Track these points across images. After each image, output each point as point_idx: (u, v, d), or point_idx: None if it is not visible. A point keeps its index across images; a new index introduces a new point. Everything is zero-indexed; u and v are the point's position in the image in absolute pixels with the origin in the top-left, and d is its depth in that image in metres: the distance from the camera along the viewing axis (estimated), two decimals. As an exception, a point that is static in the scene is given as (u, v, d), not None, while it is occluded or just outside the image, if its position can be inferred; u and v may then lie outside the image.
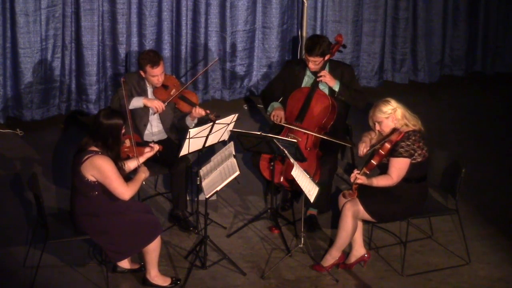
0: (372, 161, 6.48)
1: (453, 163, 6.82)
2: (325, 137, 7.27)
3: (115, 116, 6.21)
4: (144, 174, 6.40)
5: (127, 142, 6.50)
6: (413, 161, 6.50)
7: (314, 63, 7.42)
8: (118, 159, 6.26)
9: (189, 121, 7.25)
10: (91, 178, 6.15)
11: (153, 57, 7.18)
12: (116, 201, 6.23)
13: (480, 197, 7.82)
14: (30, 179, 6.40)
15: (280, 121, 7.47)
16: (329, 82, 7.43)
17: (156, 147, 6.68)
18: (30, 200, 7.40)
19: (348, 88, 7.47)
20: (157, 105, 7.17)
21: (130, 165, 6.54)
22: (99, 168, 6.11)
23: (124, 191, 6.17)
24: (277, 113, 7.49)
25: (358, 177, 6.41)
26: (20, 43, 8.68)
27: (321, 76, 7.41)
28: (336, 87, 7.44)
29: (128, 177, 6.42)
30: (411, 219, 6.70)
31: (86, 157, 6.13)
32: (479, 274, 6.73)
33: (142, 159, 6.61)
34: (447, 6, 10.31)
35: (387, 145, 6.47)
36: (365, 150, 6.71)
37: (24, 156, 8.36)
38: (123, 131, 6.26)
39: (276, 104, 7.59)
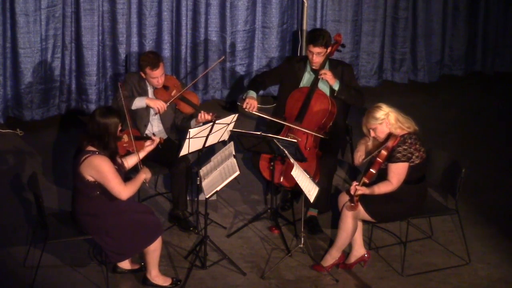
0: (371, 169, 6.46)
1: (453, 163, 6.82)
2: (314, 133, 7.25)
3: (111, 114, 6.19)
4: (144, 174, 6.37)
5: (125, 138, 6.49)
6: (411, 164, 6.50)
7: (318, 55, 7.42)
8: (115, 156, 6.25)
9: (193, 125, 7.24)
10: (90, 178, 6.15)
11: (153, 59, 7.18)
12: (116, 201, 6.22)
13: (480, 197, 7.82)
14: (30, 179, 6.40)
15: (252, 110, 7.47)
16: (330, 81, 7.43)
17: (157, 140, 6.67)
18: (30, 200, 7.40)
19: (347, 88, 7.48)
20: (159, 105, 7.18)
21: (130, 161, 6.54)
22: (97, 168, 6.11)
23: (122, 190, 6.15)
24: (250, 101, 7.46)
25: (358, 188, 6.41)
26: (20, 43, 8.68)
27: (322, 74, 7.41)
28: (336, 86, 7.45)
29: (128, 176, 6.42)
30: (411, 219, 6.70)
31: (84, 157, 6.13)
32: (479, 274, 6.73)
33: (143, 154, 6.60)
34: (447, 6, 10.31)
35: (384, 152, 6.46)
36: (360, 159, 6.70)
37: (24, 156, 8.36)
38: (119, 128, 6.25)
39: (250, 92, 7.57)
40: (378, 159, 6.45)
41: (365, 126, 6.60)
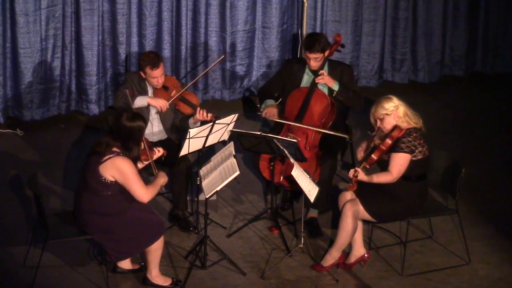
0: (372, 155, 6.48)
1: (453, 163, 6.82)
2: (322, 130, 7.26)
3: (137, 119, 6.25)
4: (163, 179, 6.43)
5: (141, 145, 6.52)
6: (414, 158, 6.50)
7: (315, 60, 7.43)
8: (136, 162, 6.29)
9: (191, 123, 7.25)
10: (110, 178, 6.15)
11: (153, 58, 7.19)
12: (122, 201, 6.23)
13: (480, 197, 7.82)
14: (30, 179, 6.40)
15: (273, 118, 7.49)
16: (328, 83, 7.44)
17: (161, 151, 6.69)
18: (30, 200, 7.40)
19: (347, 89, 7.48)
20: (161, 104, 7.19)
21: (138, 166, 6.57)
22: (120, 169, 6.13)
23: (144, 193, 6.20)
24: (269, 110, 7.51)
25: (358, 170, 6.40)
26: (20, 43, 8.68)
27: (320, 77, 7.41)
28: (335, 87, 7.45)
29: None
30: (411, 219, 6.70)
31: (107, 157, 6.14)
32: (479, 274, 6.73)
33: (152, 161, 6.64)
34: (447, 6, 10.31)
35: (388, 141, 6.48)
36: (363, 153, 6.70)
37: (24, 156, 8.36)
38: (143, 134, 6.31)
39: (269, 102, 7.61)
40: (381, 146, 6.47)
41: (373, 116, 6.59)
